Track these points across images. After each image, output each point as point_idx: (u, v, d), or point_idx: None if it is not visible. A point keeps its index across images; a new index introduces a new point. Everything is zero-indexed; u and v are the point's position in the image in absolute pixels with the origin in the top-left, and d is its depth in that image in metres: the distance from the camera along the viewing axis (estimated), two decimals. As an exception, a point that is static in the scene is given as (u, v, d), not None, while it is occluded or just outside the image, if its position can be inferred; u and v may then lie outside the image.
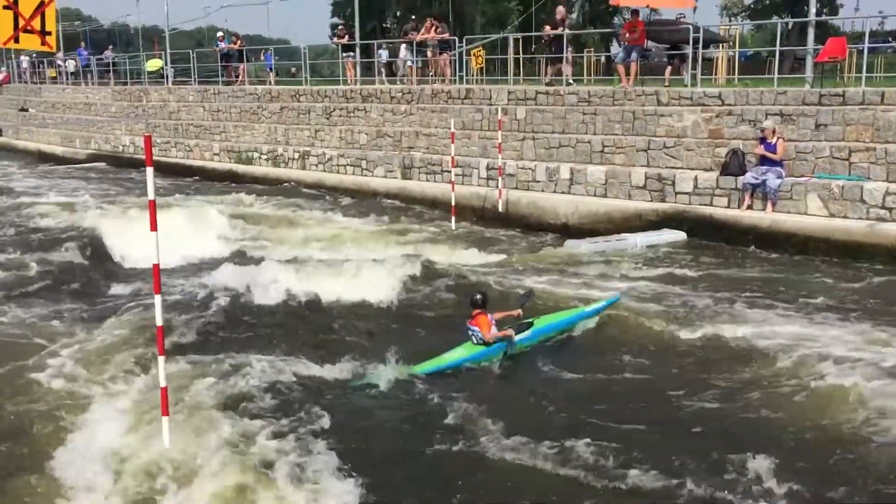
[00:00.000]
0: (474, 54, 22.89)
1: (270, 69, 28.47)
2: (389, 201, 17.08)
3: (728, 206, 12.87)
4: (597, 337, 8.54)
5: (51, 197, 18.77)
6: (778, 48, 15.63)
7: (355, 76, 23.58)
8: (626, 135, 14.84)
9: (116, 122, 27.59)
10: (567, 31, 18.79)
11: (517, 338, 7.97)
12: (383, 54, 25.14)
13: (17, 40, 6.16)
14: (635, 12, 18.63)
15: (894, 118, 12.21)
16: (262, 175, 20.90)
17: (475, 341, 7.79)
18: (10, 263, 11.53)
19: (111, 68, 31.23)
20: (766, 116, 13.14)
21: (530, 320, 8.31)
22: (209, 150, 23.17)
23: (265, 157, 21.39)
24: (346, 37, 24.82)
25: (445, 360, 7.62)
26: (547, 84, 17.82)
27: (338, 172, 19.23)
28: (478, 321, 7.78)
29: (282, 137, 21.51)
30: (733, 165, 12.98)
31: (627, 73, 16.67)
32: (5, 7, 6.00)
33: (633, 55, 16.73)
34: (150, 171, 5.56)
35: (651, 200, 13.67)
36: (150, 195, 5.60)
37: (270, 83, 26.10)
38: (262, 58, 29.56)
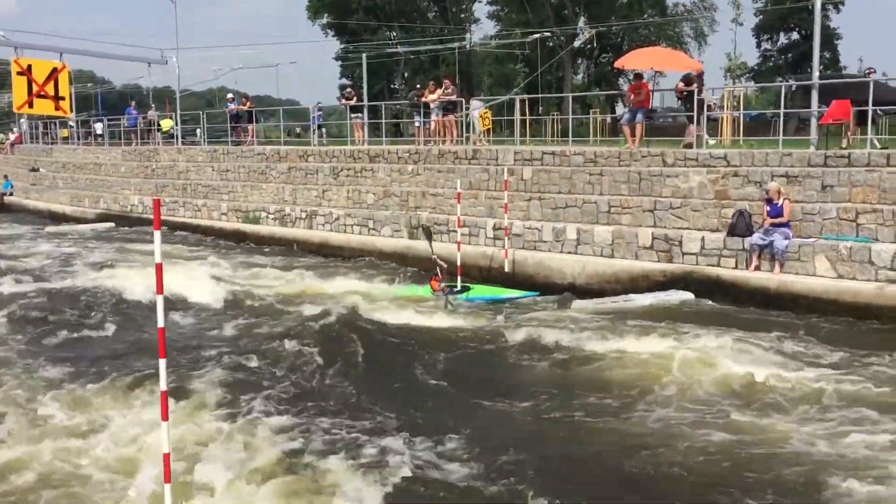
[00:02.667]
0: (481, 115, 23.11)
1: (320, 126, 27.88)
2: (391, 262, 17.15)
3: (735, 267, 12.82)
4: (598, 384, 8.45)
5: (63, 254, 18.92)
6: (782, 110, 15.74)
7: (363, 137, 23.84)
8: (632, 195, 14.89)
9: (126, 182, 27.84)
10: (703, 87, 16.80)
11: (461, 297, 13.68)
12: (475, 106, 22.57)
13: (31, 105, 6.27)
14: (639, 75, 18.91)
15: (900, 180, 12.22)
16: (269, 234, 20.99)
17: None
18: (21, 319, 11.58)
19: (156, 128, 30.57)
20: (771, 177, 13.19)
21: (469, 286, 14.02)
22: (217, 210, 23.33)
23: (272, 216, 21.51)
24: (355, 98, 25.17)
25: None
26: (685, 146, 15.93)
27: (345, 232, 19.29)
28: (432, 283, 13.82)
29: (289, 197, 21.66)
30: (740, 226, 12.97)
31: (633, 135, 16.81)
32: (19, 73, 6.13)
33: (639, 117, 16.89)
34: (157, 234, 5.55)
35: (658, 261, 13.65)
36: (157, 258, 5.59)
37: (315, 143, 25.52)
38: (310, 117, 28.57)
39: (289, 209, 21.13)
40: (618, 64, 22.50)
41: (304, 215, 20.58)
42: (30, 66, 6.17)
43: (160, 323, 5.61)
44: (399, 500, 6.05)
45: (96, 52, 31.71)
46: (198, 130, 31.59)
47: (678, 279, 13.06)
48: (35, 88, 6.19)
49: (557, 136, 25.33)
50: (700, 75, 17.17)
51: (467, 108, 21.51)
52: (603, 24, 42.43)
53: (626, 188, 15.08)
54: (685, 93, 16.91)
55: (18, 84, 6.21)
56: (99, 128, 35.03)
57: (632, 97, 17.38)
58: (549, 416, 7.95)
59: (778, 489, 6.15)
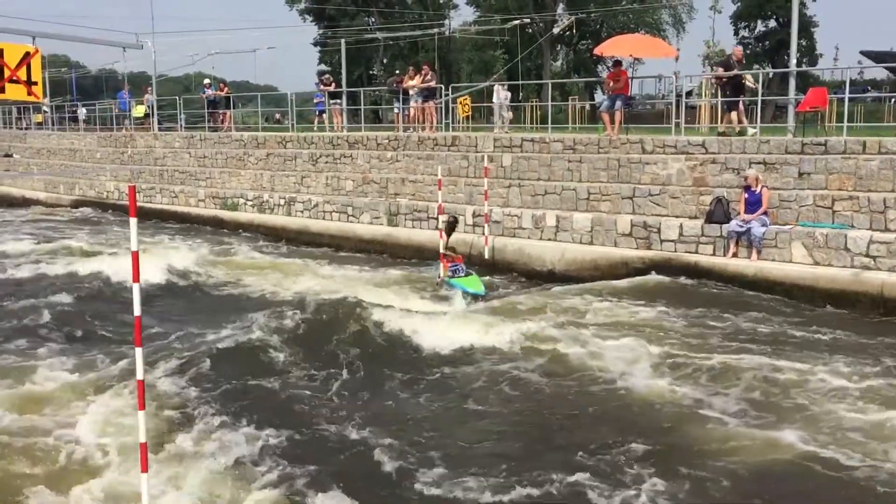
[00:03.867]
0: (461, 102, 23.08)
1: (322, 112, 25.85)
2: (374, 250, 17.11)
3: (713, 254, 12.90)
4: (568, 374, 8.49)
5: (40, 241, 18.71)
6: (760, 97, 15.82)
7: (342, 123, 23.71)
8: (611, 182, 14.94)
9: (102, 168, 27.52)
10: (744, 72, 16.13)
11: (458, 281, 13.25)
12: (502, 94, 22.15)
13: (2, 90, 6.15)
14: (618, 62, 18.93)
15: (876, 167, 12.35)
16: (248, 221, 20.84)
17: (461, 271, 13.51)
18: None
19: (153, 113, 29.42)
20: (749, 165, 13.27)
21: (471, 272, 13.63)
22: (194, 197, 23.13)
23: (251, 203, 21.36)
24: (333, 84, 25.02)
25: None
26: (720, 134, 15.56)
27: (323, 219, 19.20)
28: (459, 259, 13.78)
29: (268, 184, 21.51)
30: (718, 213, 13.04)
31: (612, 122, 16.83)
32: (-10, 58, 6.00)
33: (618, 104, 16.91)
34: (133, 222, 5.48)
35: (637, 248, 13.70)
36: (133, 246, 5.52)
37: (325, 129, 24.01)
38: (314, 101, 26.62)
39: (267, 196, 20.99)
40: (597, 51, 22.47)
41: (282, 202, 20.45)
42: (1, 51, 6.05)
43: (136, 311, 5.55)
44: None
45: (70, 36, 31.11)
46: (179, 116, 30.98)
47: (657, 266, 13.12)
48: (7, 73, 6.08)
49: (536, 123, 25.31)
50: (740, 60, 16.58)
51: (447, 95, 21.45)
52: (582, 11, 42.37)
53: (605, 175, 15.12)
54: (725, 79, 16.12)
55: (-10, 69, 6.08)
56: (82, 113, 34.40)
57: (611, 84, 17.40)
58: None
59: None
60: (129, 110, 30.05)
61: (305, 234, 18.94)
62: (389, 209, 17.74)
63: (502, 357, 9.28)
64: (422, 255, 15.88)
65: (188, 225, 21.89)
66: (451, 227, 14.60)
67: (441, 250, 13.81)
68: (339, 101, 24.37)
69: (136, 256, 5.55)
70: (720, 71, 16.24)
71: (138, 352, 5.58)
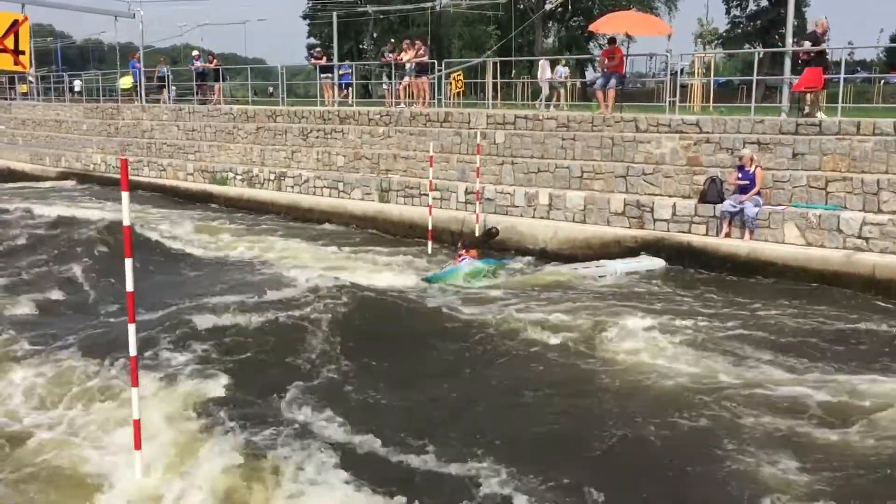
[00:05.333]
0: (453, 78, 22.92)
1: (347, 84, 24.48)
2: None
3: (706, 234, 12.87)
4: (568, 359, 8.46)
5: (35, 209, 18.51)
6: (755, 77, 15.76)
7: (333, 97, 23.49)
8: (604, 161, 14.87)
9: (88, 140, 27.21)
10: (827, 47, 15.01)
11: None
12: (560, 70, 21.87)
13: (-12, 59, 6.00)
14: (612, 39, 18.81)
15: (870, 148, 12.33)
16: (237, 195, 20.67)
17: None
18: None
19: (166, 84, 28.46)
20: (743, 145, 13.23)
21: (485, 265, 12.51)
22: (183, 170, 22.90)
23: (240, 177, 21.16)
24: (324, 58, 24.76)
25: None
26: (806, 115, 14.50)
27: (314, 194, 19.05)
28: (470, 253, 12.55)
29: (257, 158, 21.32)
30: (711, 193, 13.01)
31: (606, 100, 16.73)
32: (-23, 25, 5.84)
33: (612, 82, 16.81)
34: (125, 195, 5.39)
35: (630, 227, 13.66)
36: (126, 221, 5.43)
37: (349, 103, 23.02)
38: (339, 74, 24.53)
39: (257, 170, 20.79)
40: (592, 27, 22.36)
41: (272, 177, 20.26)
42: (-11, 19, 5.91)
43: (129, 287, 5.47)
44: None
45: (60, 3, 30.27)
46: (168, 88, 30.49)
47: (649, 245, 13.09)
48: (-6, 41, 5.94)
49: (528, 100, 25.18)
50: (825, 33, 15.46)
51: (439, 70, 21.28)
52: (575, -13, 42.11)
53: (599, 153, 15.05)
54: (811, 54, 14.81)
55: (-24, 37, 5.93)
56: (77, 85, 33.83)
57: (605, 62, 17.28)
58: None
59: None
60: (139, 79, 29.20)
61: (295, 210, 18.79)
62: (381, 185, 17.61)
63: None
64: (413, 232, 15.78)
65: (176, 198, 21.67)
66: (489, 235, 13.52)
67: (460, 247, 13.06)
68: (330, 74, 24.11)
69: (128, 231, 5.46)
70: (808, 45, 14.92)
71: (131, 328, 5.51)
